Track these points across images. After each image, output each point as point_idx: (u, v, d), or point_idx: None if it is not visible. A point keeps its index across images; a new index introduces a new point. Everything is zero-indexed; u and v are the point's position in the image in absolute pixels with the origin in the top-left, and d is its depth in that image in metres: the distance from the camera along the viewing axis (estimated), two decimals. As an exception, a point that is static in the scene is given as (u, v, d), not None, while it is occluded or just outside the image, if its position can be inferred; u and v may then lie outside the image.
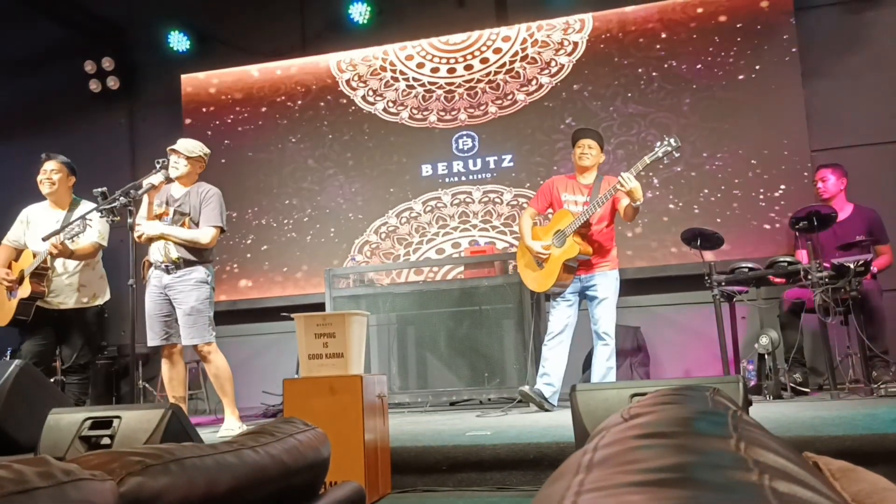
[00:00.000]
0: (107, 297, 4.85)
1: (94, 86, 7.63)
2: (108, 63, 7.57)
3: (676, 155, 4.48)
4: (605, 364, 4.50)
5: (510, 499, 2.80)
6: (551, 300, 4.68)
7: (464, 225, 6.73)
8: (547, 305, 4.78)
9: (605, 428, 0.74)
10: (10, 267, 4.63)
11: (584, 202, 4.59)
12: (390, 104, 7.05)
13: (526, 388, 4.57)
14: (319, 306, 5.68)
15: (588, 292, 4.60)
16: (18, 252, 4.69)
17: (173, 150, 4.45)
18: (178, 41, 7.43)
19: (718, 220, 6.04)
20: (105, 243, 4.72)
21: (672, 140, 4.39)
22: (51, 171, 4.71)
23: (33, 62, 7.81)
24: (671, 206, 6.30)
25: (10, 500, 0.72)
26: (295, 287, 7.02)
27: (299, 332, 3.08)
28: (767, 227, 6.04)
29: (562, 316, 4.60)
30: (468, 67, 6.92)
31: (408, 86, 7.03)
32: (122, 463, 0.91)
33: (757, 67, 6.24)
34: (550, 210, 4.77)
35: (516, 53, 6.83)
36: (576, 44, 6.70)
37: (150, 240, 4.37)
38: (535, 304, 5.21)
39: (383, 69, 7.12)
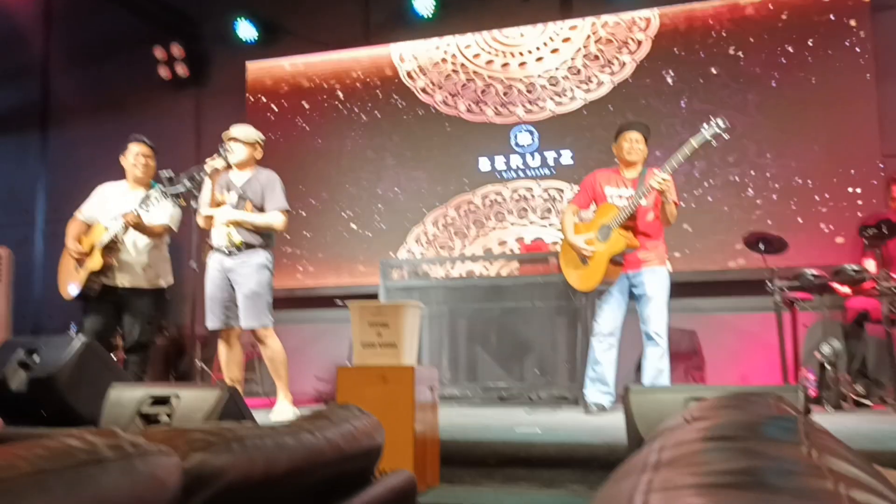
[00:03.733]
0: (170, 279, 4.95)
1: (164, 72, 7.82)
2: (177, 50, 7.74)
3: (726, 137, 4.28)
4: (656, 366, 4.29)
5: (558, 497, 2.78)
6: (598, 299, 4.53)
7: (521, 220, 6.70)
8: (596, 304, 4.64)
9: (667, 429, 0.73)
10: (79, 241, 4.75)
11: (630, 196, 4.41)
12: (449, 97, 7.06)
13: (594, 410, 4.37)
14: (373, 296, 5.73)
15: (636, 290, 4.41)
16: (89, 227, 4.81)
17: (230, 137, 4.54)
18: (246, 30, 7.57)
19: (782, 224, 5.88)
20: (175, 228, 4.81)
21: (719, 121, 4.21)
22: (147, 157, 4.83)
23: (106, 49, 8.04)
24: (734, 207, 6.16)
25: (81, 469, 0.74)
26: (350, 276, 7.09)
27: (354, 320, 3.12)
28: (833, 233, 5.86)
29: (610, 316, 4.44)
30: (529, 62, 6.88)
31: (468, 79, 7.03)
32: (186, 439, 0.93)
33: (828, 68, 6.05)
34: (594, 205, 4.63)
35: (579, 49, 6.76)
36: (640, 41, 6.60)
37: (222, 225, 4.44)
38: (590, 303, 5.10)
39: (444, 61, 7.12)
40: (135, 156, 4.81)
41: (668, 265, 4.52)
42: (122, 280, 4.67)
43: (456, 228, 6.87)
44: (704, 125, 4.29)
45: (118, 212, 4.57)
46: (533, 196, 6.69)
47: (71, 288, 4.69)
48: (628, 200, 4.36)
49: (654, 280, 4.37)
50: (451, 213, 6.90)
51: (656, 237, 4.46)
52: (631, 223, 4.36)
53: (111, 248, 4.59)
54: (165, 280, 4.88)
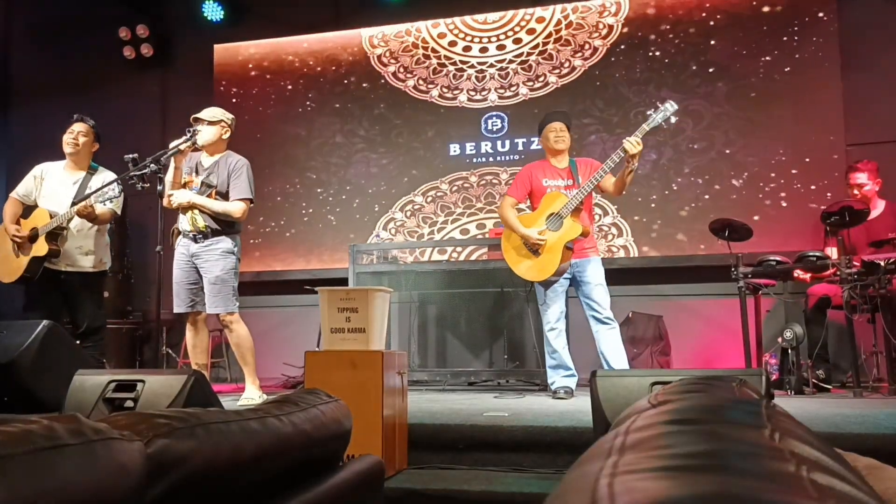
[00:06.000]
0: (109, 263, 4.88)
1: (128, 52, 7.67)
2: (142, 30, 7.60)
3: (674, 119, 4.36)
4: (616, 347, 4.38)
5: (525, 480, 2.80)
6: (544, 290, 4.56)
7: (490, 206, 6.71)
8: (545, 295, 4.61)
9: (633, 412, 0.73)
10: (18, 222, 4.64)
11: (567, 185, 4.49)
12: (420, 81, 7.02)
13: (563, 396, 4.42)
14: (342, 281, 5.71)
15: (580, 278, 4.49)
16: (27, 207, 4.71)
17: (197, 119, 4.45)
18: (213, 11, 7.45)
19: (748, 211, 5.97)
20: (119, 211, 4.75)
21: (668, 104, 4.27)
22: (78, 133, 4.70)
23: (69, 27, 7.87)
24: (700, 194, 6.23)
25: (40, 454, 0.73)
26: (319, 261, 7.06)
27: (322, 305, 3.10)
28: (797, 220, 5.96)
29: (558, 305, 4.54)
30: (500, 47, 6.87)
31: (439, 63, 7.00)
32: (149, 424, 0.92)
33: (796, 57, 6.13)
34: (528, 199, 4.69)
35: (550, 35, 6.76)
36: (611, 27, 6.62)
37: (181, 207, 4.39)
38: (532, 292, 5.12)
39: (415, 46, 7.08)
40: (68, 133, 4.70)
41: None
42: (66, 263, 4.59)
43: (426, 214, 6.86)
44: (652, 110, 4.34)
45: (57, 194, 4.50)
46: (500, 182, 6.69)
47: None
48: (578, 189, 4.42)
49: (596, 268, 4.50)
50: (418, 200, 6.89)
51: (591, 227, 4.58)
52: (578, 213, 4.42)
53: (56, 234, 4.51)
54: (107, 264, 4.82)
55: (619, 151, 4.28)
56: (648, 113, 4.38)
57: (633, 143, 4.17)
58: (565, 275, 4.51)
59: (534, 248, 4.47)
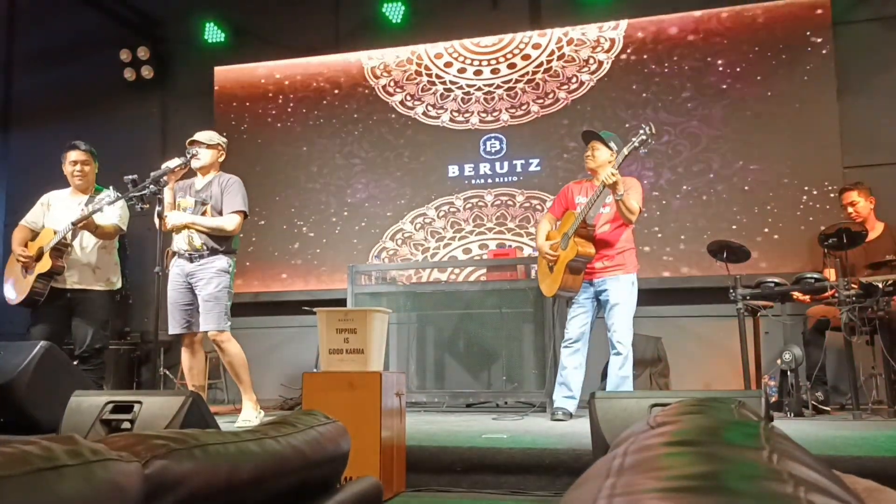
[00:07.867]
0: (119, 284, 4.87)
1: (129, 74, 7.72)
2: (143, 52, 7.65)
3: (652, 142, 4.36)
4: (617, 374, 4.35)
5: (524, 503, 2.79)
6: (568, 306, 4.61)
7: (479, 228, 6.72)
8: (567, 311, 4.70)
9: (632, 434, 0.73)
10: (25, 246, 4.67)
11: (585, 204, 4.50)
12: (420, 104, 7.06)
13: (561, 417, 4.42)
14: (341, 301, 5.70)
15: (601, 297, 4.49)
16: (34, 234, 4.72)
17: (194, 142, 4.51)
18: (213, 33, 7.50)
19: (745, 233, 5.98)
20: (125, 227, 4.75)
21: (648, 128, 4.26)
22: (82, 164, 4.75)
23: (71, 49, 7.92)
24: (698, 216, 6.24)
25: (38, 476, 0.73)
26: (317, 281, 7.05)
27: (321, 326, 3.10)
28: (795, 242, 5.97)
29: (578, 322, 4.51)
30: (497, 71, 6.91)
31: (445, 89, 7.04)
32: (147, 446, 0.91)
33: (792, 81, 6.17)
34: None
35: (549, 56, 6.81)
36: (609, 49, 6.66)
37: (177, 229, 4.41)
38: (557, 310, 5.14)
39: (417, 71, 7.13)
40: (70, 164, 4.75)
41: (635, 274, 4.55)
42: (73, 280, 4.59)
43: (425, 234, 6.86)
44: (635, 135, 4.33)
45: (63, 218, 4.53)
46: (500, 203, 6.71)
47: (7, 290, 4.61)
48: (582, 208, 4.43)
49: (617, 288, 4.42)
50: (419, 220, 6.90)
51: (619, 245, 4.49)
52: (587, 231, 4.41)
53: (60, 250, 4.52)
54: (116, 284, 4.80)
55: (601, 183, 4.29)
56: (633, 136, 4.37)
57: (606, 175, 4.20)
58: (585, 295, 4.50)
59: (549, 264, 4.52)
